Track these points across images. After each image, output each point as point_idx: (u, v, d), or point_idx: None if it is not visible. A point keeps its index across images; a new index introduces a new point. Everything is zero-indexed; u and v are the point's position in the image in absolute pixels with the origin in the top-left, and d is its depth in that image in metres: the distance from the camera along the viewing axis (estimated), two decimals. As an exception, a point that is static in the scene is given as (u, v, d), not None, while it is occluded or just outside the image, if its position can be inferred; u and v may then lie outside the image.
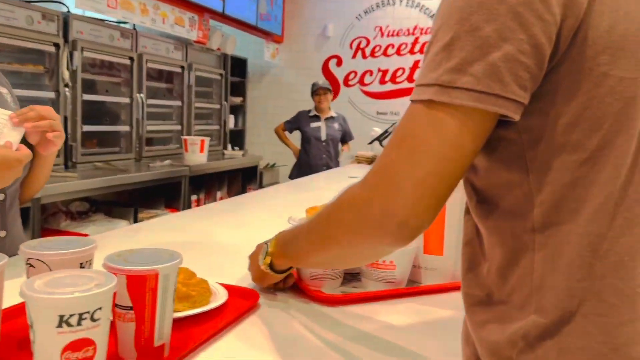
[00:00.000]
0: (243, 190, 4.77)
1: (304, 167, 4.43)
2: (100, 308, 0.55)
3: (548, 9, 0.50)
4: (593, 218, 0.52)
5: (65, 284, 0.56)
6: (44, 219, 2.74)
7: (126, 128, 3.61)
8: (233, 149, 5.15)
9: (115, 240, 1.33)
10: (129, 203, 3.31)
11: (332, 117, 4.54)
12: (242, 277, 1.02)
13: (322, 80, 4.53)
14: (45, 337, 0.54)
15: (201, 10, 4.01)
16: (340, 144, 4.59)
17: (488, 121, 0.52)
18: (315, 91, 4.47)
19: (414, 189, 0.53)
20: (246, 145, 5.66)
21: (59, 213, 2.85)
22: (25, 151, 0.95)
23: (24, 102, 1.20)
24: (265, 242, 0.89)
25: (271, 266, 0.87)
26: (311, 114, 4.54)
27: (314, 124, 4.51)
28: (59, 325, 0.53)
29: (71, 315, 0.53)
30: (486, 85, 0.50)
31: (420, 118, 0.53)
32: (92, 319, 0.54)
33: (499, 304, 0.58)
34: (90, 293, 0.54)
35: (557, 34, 0.51)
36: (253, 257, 0.95)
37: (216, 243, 1.39)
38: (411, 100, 0.55)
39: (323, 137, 4.47)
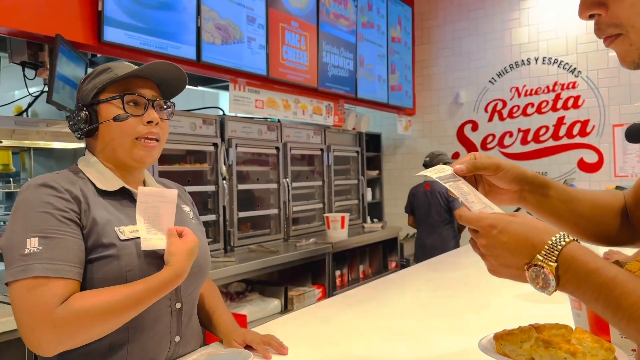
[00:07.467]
0: (385, 263, 4.81)
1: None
2: None
3: None
4: None
5: None
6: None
7: (275, 211, 3.94)
8: (372, 221, 5.26)
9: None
10: (279, 282, 3.55)
11: None
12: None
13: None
14: None
15: (336, 97, 4.34)
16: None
17: None
18: None
19: None
20: (385, 216, 5.74)
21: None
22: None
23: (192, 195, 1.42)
24: (546, 254, 0.68)
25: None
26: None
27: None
28: None
29: None
30: None
31: None
32: None
33: None
34: None
35: None
36: (511, 252, 0.71)
37: (359, 341, 1.44)
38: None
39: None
